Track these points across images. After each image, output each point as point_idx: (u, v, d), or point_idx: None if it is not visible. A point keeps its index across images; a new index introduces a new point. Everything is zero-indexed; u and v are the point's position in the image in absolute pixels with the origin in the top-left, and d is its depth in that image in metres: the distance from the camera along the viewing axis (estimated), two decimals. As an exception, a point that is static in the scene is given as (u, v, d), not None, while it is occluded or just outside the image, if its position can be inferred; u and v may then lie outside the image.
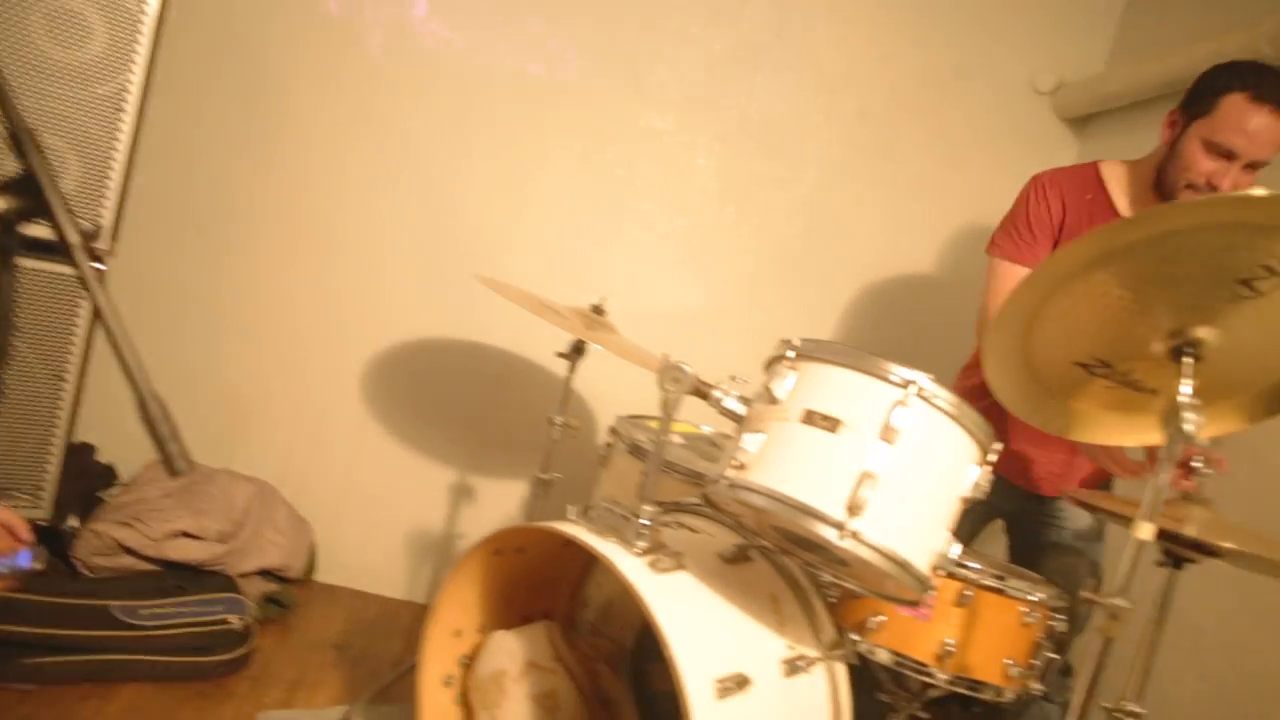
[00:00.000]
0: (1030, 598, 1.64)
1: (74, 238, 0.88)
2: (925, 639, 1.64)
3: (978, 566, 1.63)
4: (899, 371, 1.32)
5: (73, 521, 2.33)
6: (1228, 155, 1.72)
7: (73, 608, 2.04)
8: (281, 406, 2.73)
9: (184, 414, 2.81)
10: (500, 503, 2.85)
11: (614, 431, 2.18)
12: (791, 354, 1.41)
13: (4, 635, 1.94)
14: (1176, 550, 1.46)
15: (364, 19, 2.64)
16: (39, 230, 0.85)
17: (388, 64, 2.66)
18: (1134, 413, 1.43)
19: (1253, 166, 1.73)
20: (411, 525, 2.83)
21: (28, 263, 2.05)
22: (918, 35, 2.89)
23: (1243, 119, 1.68)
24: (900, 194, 2.94)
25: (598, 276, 2.78)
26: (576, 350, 2.07)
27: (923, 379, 1.31)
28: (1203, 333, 1.23)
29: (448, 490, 2.82)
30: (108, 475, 2.55)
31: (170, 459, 0.90)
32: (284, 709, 2.07)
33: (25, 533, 1.30)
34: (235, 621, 2.18)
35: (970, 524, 2.16)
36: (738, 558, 1.65)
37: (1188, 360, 1.22)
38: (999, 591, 1.64)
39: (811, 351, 1.39)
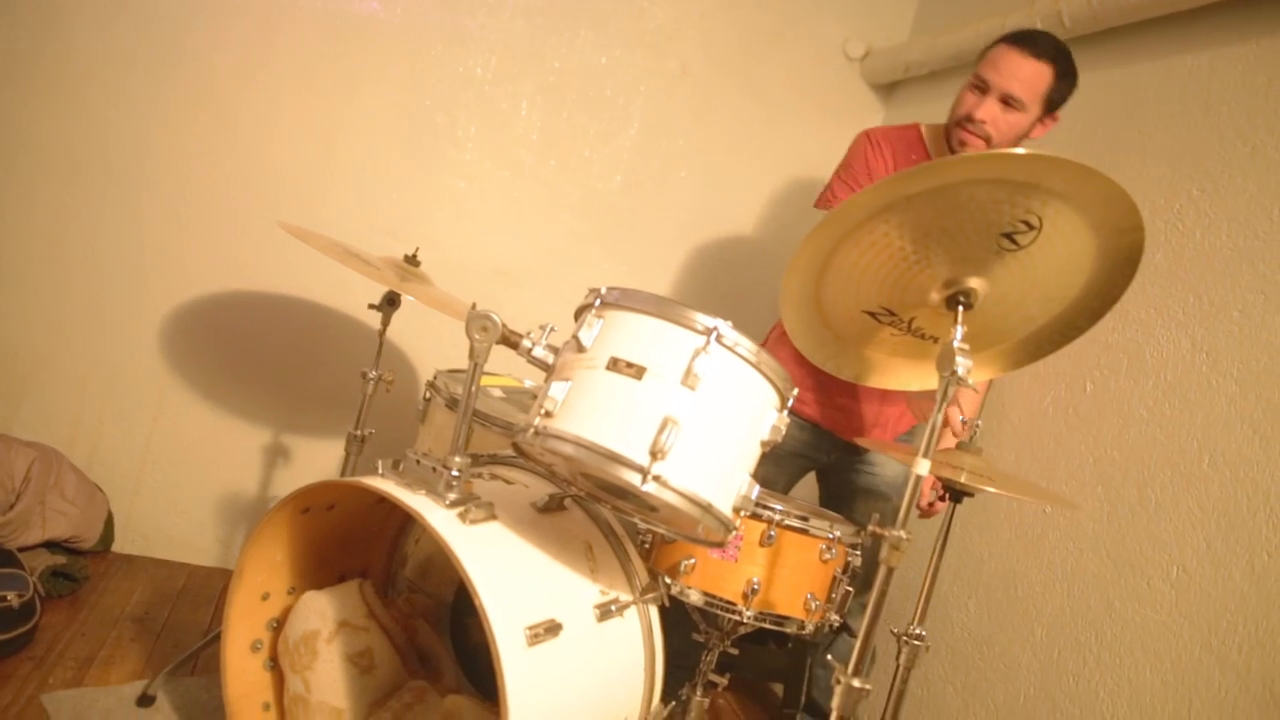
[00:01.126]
0: (829, 535, 1.74)
1: None
2: (733, 579, 1.71)
3: (780, 508, 1.72)
4: (701, 319, 1.35)
5: None
6: (983, 88, 1.92)
7: None
8: (68, 365, 2.51)
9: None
10: (317, 461, 2.74)
11: (431, 385, 2.13)
12: (599, 302, 1.42)
13: None
14: (953, 486, 1.58)
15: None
16: None
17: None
18: (918, 359, 1.53)
19: (1007, 103, 1.91)
20: (222, 489, 2.68)
21: None
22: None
23: (997, 58, 1.92)
24: (720, 152, 3.00)
25: (415, 227, 2.69)
26: (389, 302, 2.00)
27: (724, 326, 1.35)
28: (974, 283, 1.33)
29: (261, 451, 2.69)
30: None
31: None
32: (72, 688, 1.93)
33: None
34: (13, 599, 2.01)
35: (789, 474, 2.27)
36: (551, 507, 1.66)
37: (960, 309, 1.32)
38: (801, 531, 1.73)
39: (618, 300, 1.41)
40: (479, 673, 1.94)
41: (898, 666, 1.54)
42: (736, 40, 2.97)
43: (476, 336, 1.46)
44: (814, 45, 3.05)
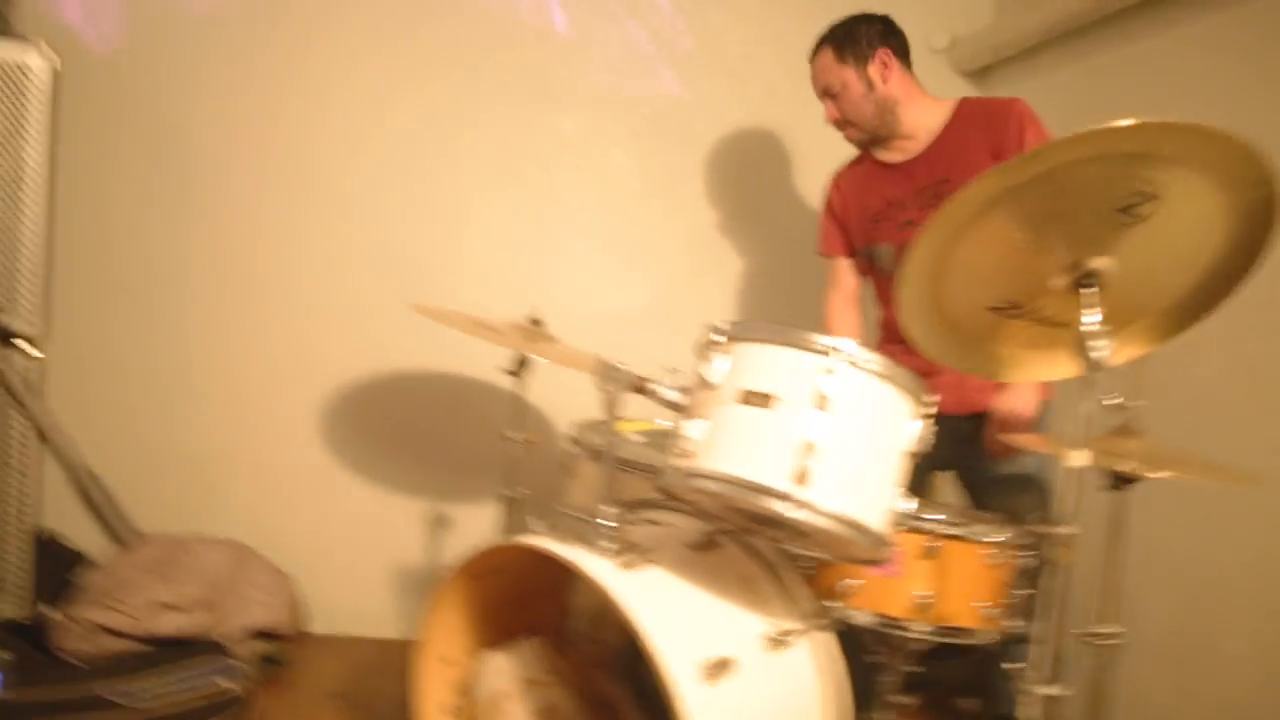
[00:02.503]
0: (992, 540, 1.70)
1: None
2: (900, 595, 1.69)
3: (938, 517, 1.69)
4: (822, 340, 1.37)
5: (51, 612, 2.31)
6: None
7: (63, 701, 2.03)
8: (242, 464, 2.73)
9: (146, 483, 2.82)
10: (477, 524, 2.86)
11: (574, 439, 2.21)
12: (720, 338, 1.45)
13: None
14: (1118, 473, 1.51)
15: (253, 55, 2.64)
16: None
17: (286, 99, 2.66)
18: (1054, 348, 1.48)
19: (831, 95, 2.22)
20: (393, 562, 2.84)
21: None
22: (809, 12, 2.94)
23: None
24: (819, 168, 2.99)
25: (534, 288, 2.80)
26: (522, 365, 2.10)
27: (846, 344, 1.36)
28: (1098, 263, 1.29)
29: (422, 521, 2.84)
30: (78, 560, 2.53)
31: (116, 533, 0.92)
32: (291, 765, 2.08)
33: None
34: (230, 686, 2.18)
35: (916, 479, 2.20)
36: (706, 544, 1.68)
37: (1088, 291, 1.28)
38: (962, 538, 1.69)
39: (738, 333, 1.44)
40: (662, 716, 1.97)
41: (1094, 670, 1.48)
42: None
43: (607, 388, 1.51)
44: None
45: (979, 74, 3.02)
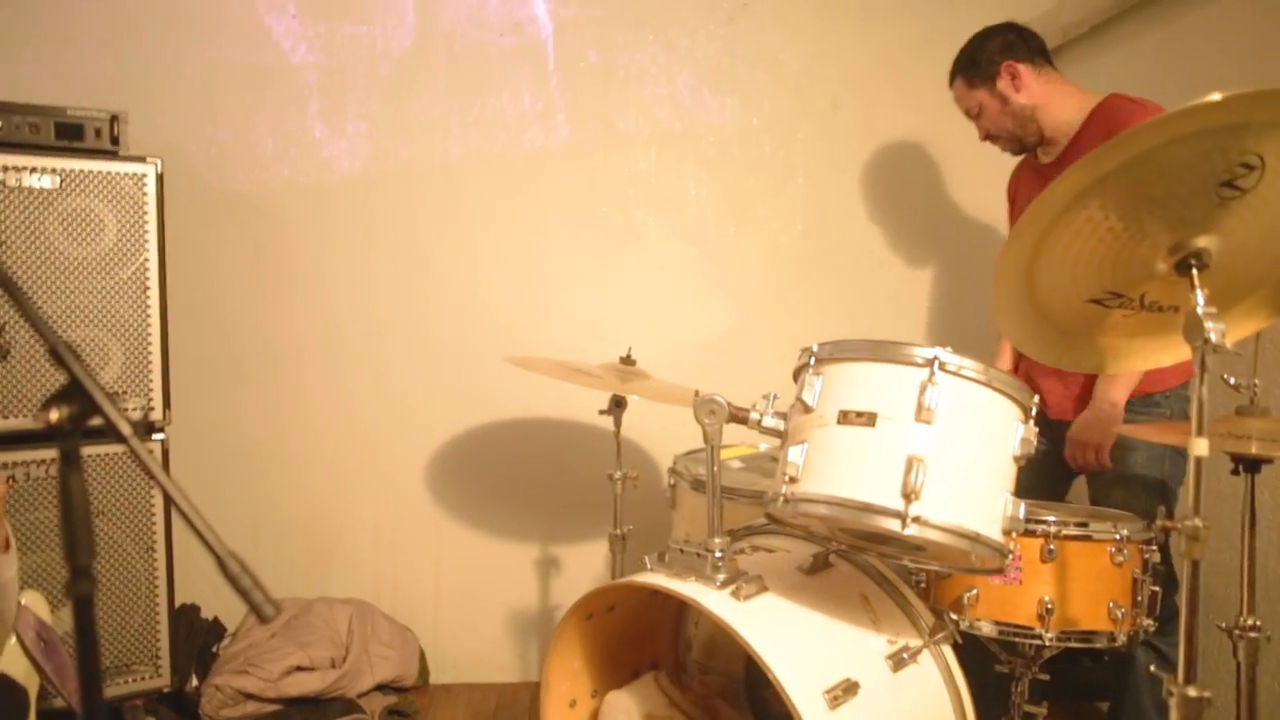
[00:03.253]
0: (1115, 536, 1.63)
1: (126, 429, 0.96)
2: (1023, 602, 1.64)
3: (1054, 519, 1.63)
4: (919, 352, 1.35)
5: (193, 682, 2.43)
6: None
7: (212, 764, 2.13)
8: (358, 525, 2.82)
9: (271, 551, 2.94)
10: (586, 564, 2.90)
11: (674, 471, 2.22)
12: (813, 360, 1.45)
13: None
14: (1243, 456, 1.44)
15: (345, 136, 2.77)
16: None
17: (377, 172, 2.78)
18: (1161, 333, 1.43)
19: (974, 116, 2.25)
20: (508, 608, 2.89)
21: (97, 449, 2.17)
22: (864, 19, 2.93)
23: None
24: (889, 173, 2.96)
25: (624, 327, 2.83)
26: (617, 404, 2.12)
27: (944, 354, 1.34)
28: (1203, 241, 1.24)
29: (534, 566, 2.88)
30: (216, 630, 2.65)
31: (258, 609, 0.96)
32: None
33: None
34: (364, 741, 2.25)
35: (1049, 485, 2.14)
36: (818, 567, 1.67)
37: (1195, 272, 1.23)
38: (1083, 538, 1.63)
39: (830, 353, 1.43)
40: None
41: (1238, 665, 1.40)
42: (879, 61, 2.95)
43: (706, 421, 1.52)
44: (959, 39, 2.95)
45: (1049, 58, 2.94)
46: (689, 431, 2.52)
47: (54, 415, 0.96)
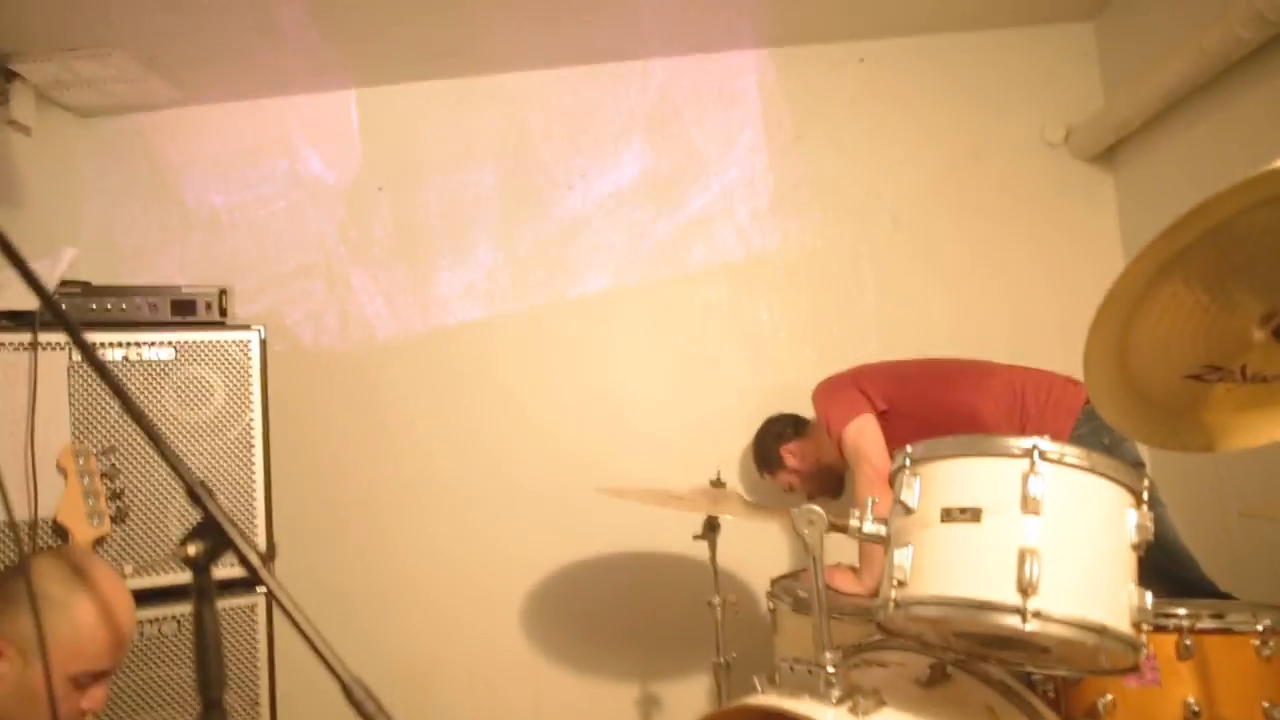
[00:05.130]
0: (1258, 627, 1.53)
1: (255, 560, 1.01)
2: (1165, 706, 1.53)
3: (1185, 611, 1.55)
4: (1015, 442, 1.33)
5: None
6: None
7: None
8: (455, 667, 2.81)
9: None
10: (685, 698, 2.81)
11: (773, 595, 2.17)
12: (908, 461, 1.44)
13: None
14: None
15: (416, 287, 2.92)
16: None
17: (465, 328, 2.92)
18: (1269, 404, 1.39)
19: None
20: (609, 751, 2.80)
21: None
22: (916, 140, 3.04)
23: None
24: (958, 281, 3.00)
25: (707, 453, 2.84)
26: (710, 528, 2.12)
27: (1042, 442, 1.32)
28: (1299, 304, 1.22)
29: (634, 704, 2.81)
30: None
31: (384, 740, 0.98)
32: None
33: None
34: None
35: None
36: (936, 679, 1.59)
37: (1295, 337, 1.21)
38: (1220, 630, 1.54)
39: (925, 453, 1.42)
40: None
41: None
42: (936, 174, 3.03)
43: (805, 531, 1.50)
44: (1012, 147, 3.05)
45: (1104, 157, 2.99)
46: (778, 556, 2.50)
47: (191, 549, 1.03)
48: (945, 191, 3.03)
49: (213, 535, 1.04)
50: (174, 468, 1.07)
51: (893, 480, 1.50)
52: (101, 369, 1.06)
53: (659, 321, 2.95)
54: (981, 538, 1.31)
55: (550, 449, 2.88)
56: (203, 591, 1.05)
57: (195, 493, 1.05)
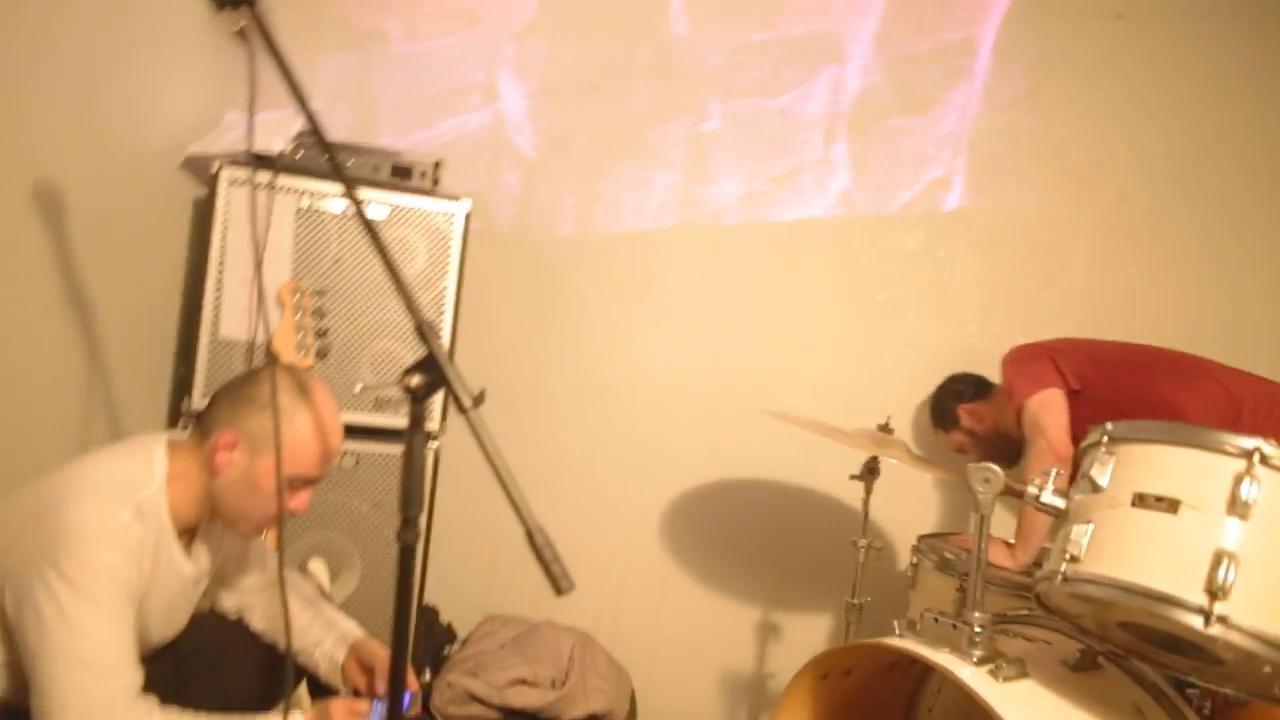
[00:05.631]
0: None
1: (468, 401, 1.09)
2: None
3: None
4: (1237, 441, 1.25)
5: (425, 676, 2.59)
6: None
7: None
8: (591, 558, 2.91)
9: (506, 569, 3.07)
10: (806, 635, 2.84)
11: (917, 550, 2.15)
12: (1105, 439, 1.37)
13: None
14: None
15: (609, 187, 2.96)
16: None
17: (657, 235, 2.94)
18: None
19: None
20: (722, 667, 2.88)
21: (376, 447, 2.40)
22: (1163, 109, 2.80)
23: None
24: (1182, 267, 2.77)
25: (876, 400, 2.79)
26: (870, 471, 2.10)
27: (1265, 445, 1.23)
28: None
29: (753, 629, 2.86)
30: (449, 634, 2.82)
31: (555, 580, 1.05)
32: None
33: (411, 680, 1.47)
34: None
35: None
36: (1085, 665, 1.55)
37: None
38: None
39: (1126, 434, 1.36)
40: None
41: None
42: (1176, 153, 2.80)
43: (980, 489, 1.47)
44: (1267, 136, 2.77)
45: None
46: (922, 515, 2.45)
47: (414, 381, 1.12)
48: (1182, 173, 2.79)
49: (433, 371, 1.12)
50: (408, 307, 1.16)
51: (1082, 455, 1.45)
52: (365, 221, 1.16)
53: (849, 260, 2.88)
54: (1175, 530, 1.25)
55: (718, 368, 2.90)
56: (416, 422, 1.15)
57: (424, 331, 1.13)
